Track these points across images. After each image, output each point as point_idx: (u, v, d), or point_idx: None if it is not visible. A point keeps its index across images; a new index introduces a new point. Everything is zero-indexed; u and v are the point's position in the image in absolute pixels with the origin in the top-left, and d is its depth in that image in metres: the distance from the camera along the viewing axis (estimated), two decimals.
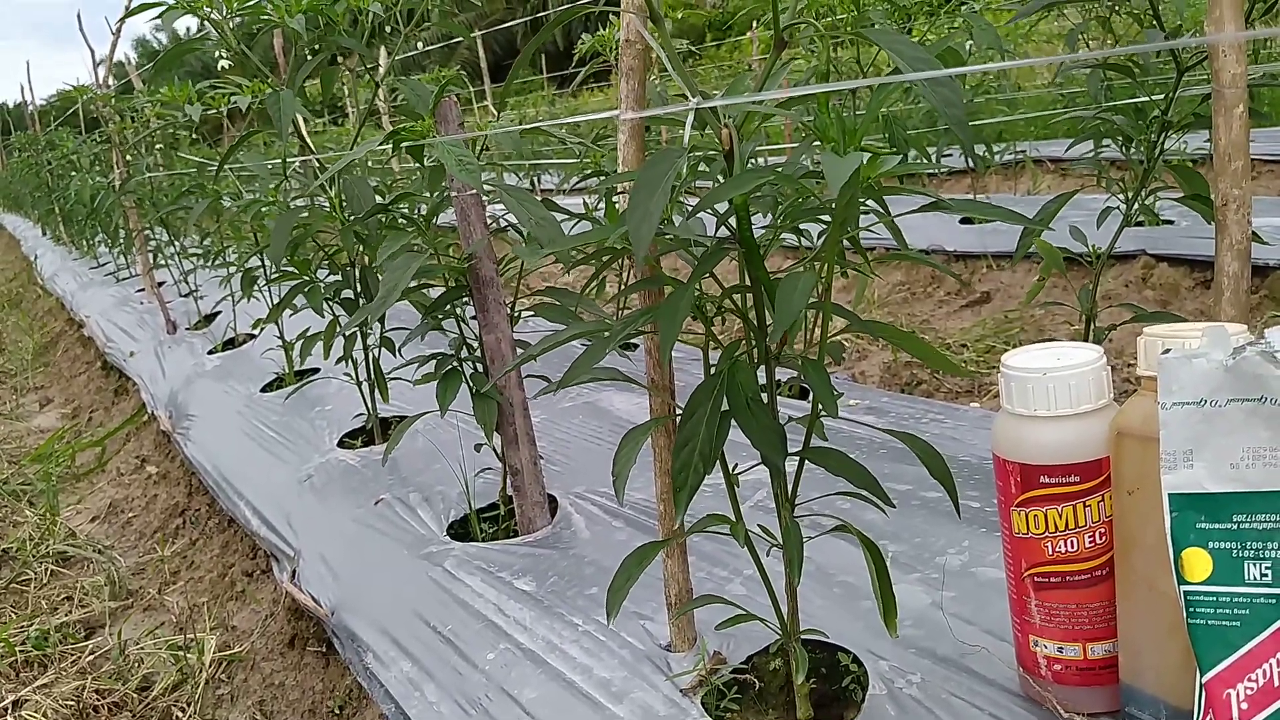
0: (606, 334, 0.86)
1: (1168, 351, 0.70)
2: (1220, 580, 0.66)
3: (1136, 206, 1.25)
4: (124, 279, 5.15)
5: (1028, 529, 0.84)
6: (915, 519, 1.23)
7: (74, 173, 5.48)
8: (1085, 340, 1.31)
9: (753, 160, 0.84)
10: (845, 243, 1.14)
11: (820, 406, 0.87)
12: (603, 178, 2.07)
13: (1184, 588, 0.68)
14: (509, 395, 1.38)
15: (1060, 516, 0.83)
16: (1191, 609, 0.67)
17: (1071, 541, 0.82)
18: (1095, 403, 0.81)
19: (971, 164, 4.22)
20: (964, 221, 3.50)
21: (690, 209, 0.96)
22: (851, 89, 1.99)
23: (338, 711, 1.30)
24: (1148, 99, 1.28)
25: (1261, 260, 2.38)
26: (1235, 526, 0.66)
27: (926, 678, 0.91)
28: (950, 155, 4.38)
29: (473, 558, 1.36)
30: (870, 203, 0.96)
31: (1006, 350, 2.65)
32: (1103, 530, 0.82)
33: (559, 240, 0.93)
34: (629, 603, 1.16)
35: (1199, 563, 0.67)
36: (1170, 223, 2.93)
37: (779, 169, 0.78)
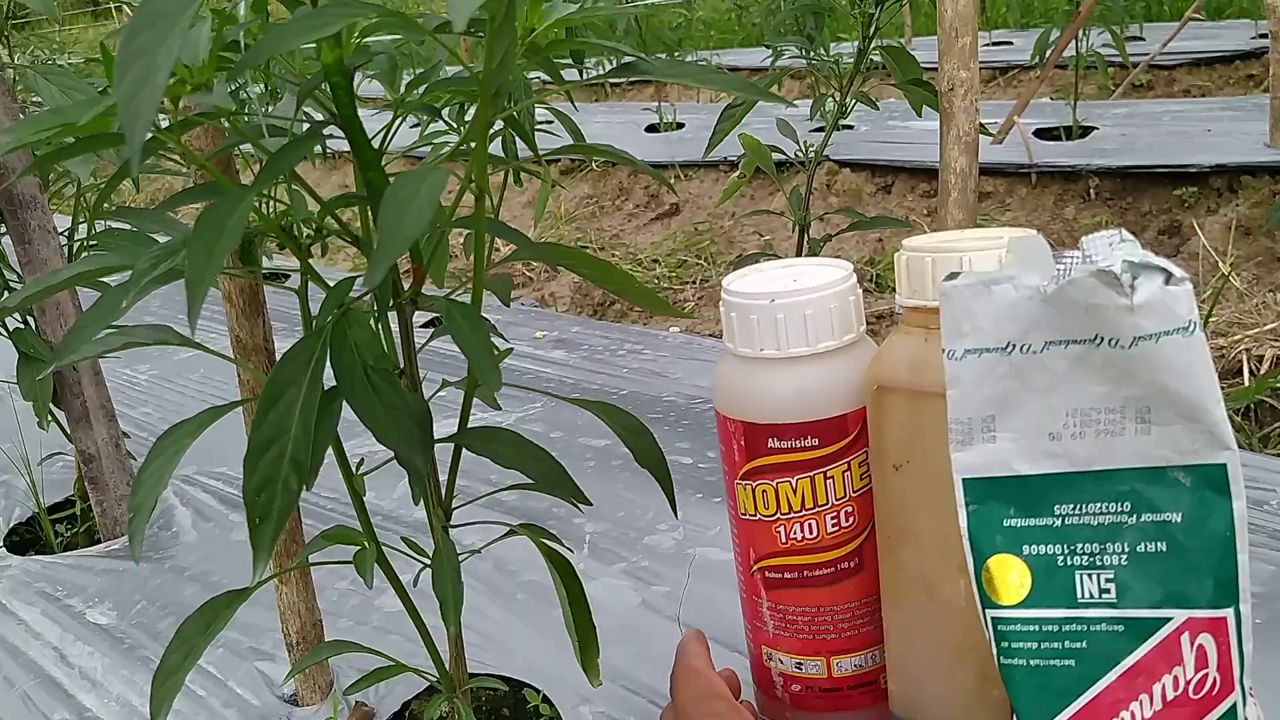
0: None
1: (954, 276, 0.49)
2: (1043, 601, 0.47)
3: (850, 94, 1.07)
4: None
5: (755, 509, 0.63)
6: (617, 485, 1.00)
7: None
8: (799, 254, 1.13)
9: None
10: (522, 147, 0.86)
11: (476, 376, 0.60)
12: None
13: (992, 613, 0.48)
14: None
15: (795, 492, 0.62)
16: (1005, 643, 0.47)
17: (809, 525, 0.62)
18: (839, 339, 0.60)
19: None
20: (649, 130, 3.33)
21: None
22: None
23: None
24: None
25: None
26: (1059, 523, 0.47)
27: None
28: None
29: (35, 578, 1.00)
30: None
31: (699, 264, 2.52)
32: (850, 509, 0.61)
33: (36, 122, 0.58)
34: (240, 635, 0.86)
35: (1011, 576, 0.48)
36: (850, 127, 2.90)
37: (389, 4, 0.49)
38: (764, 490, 0.62)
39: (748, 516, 0.64)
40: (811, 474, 0.61)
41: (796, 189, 1.14)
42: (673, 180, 3.04)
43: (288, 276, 2.00)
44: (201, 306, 0.44)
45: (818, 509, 0.62)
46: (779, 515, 0.62)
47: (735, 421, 0.62)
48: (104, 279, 0.59)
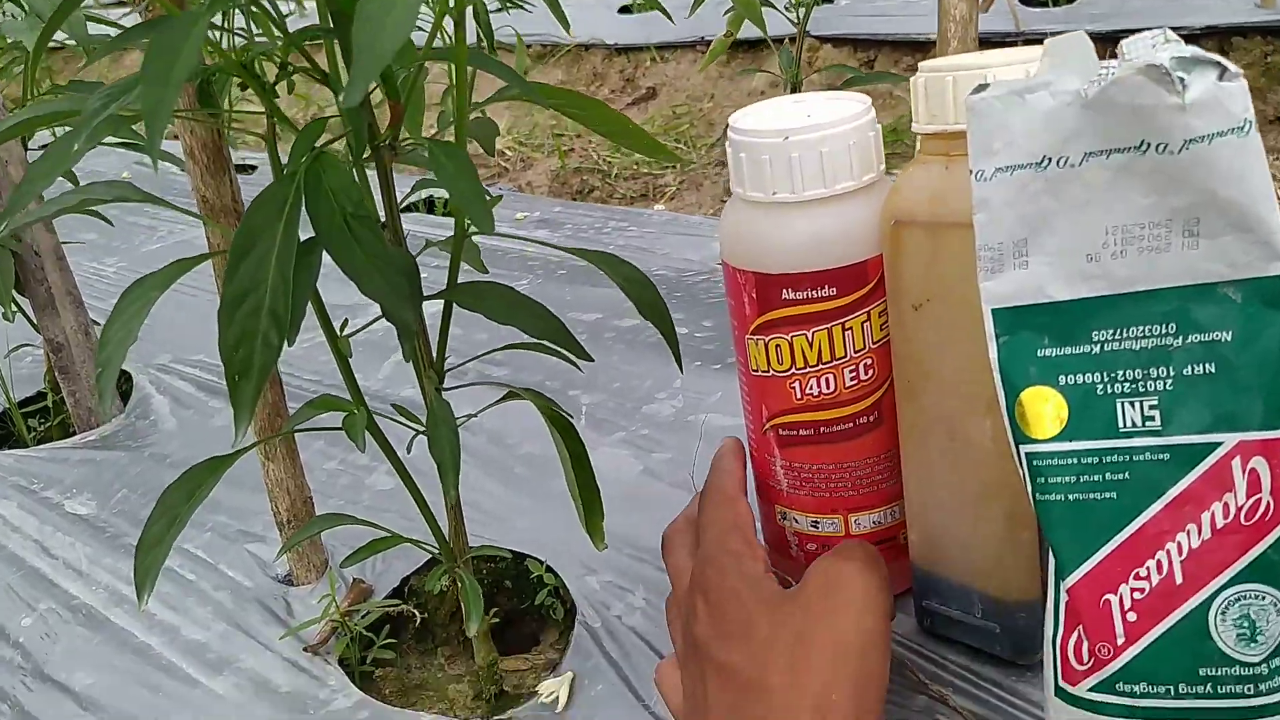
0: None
1: (982, 89, 0.45)
2: (1081, 432, 0.44)
3: None
4: None
5: (768, 364, 0.60)
6: (611, 356, 0.97)
7: None
8: None
9: None
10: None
11: (467, 222, 0.56)
12: None
13: (1026, 448, 0.45)
14: (32, 241, 0.96)
15: (811, 346, 0.58)
16: (1040, 479, 0.45)
17: (827, 380, 0.59)
18: (859, 179, 0.56)
19: None
20: (623, 10, 3.22)
21: None
22: None
23: None
24: None
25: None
26: (1098, 349, 0.44)
27: (649, 594, 0.67)
28: None
29: (9, 472, 0.97)
30: None
31: (679, 148, 2.45)
32: (870, 362, 0.58)
33: None
34: (228, 518, 0.84)
35: (1046, 408, 0.45)
36: (830, 1, 2.80)
37: None
38: (778, 344, 0.59)
39: (759, 373, 0.61)
40: (829, 326, 0.57)
41: (786, 48, 1.08)
42: (649, 64, 2.94)
43: (254, 168, 1.93)
44: (161, 139, 0.40)
45: (835, 362, 0.58)
46: (794, 370, 0.59)
47: (746, 273, 0.59)
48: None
